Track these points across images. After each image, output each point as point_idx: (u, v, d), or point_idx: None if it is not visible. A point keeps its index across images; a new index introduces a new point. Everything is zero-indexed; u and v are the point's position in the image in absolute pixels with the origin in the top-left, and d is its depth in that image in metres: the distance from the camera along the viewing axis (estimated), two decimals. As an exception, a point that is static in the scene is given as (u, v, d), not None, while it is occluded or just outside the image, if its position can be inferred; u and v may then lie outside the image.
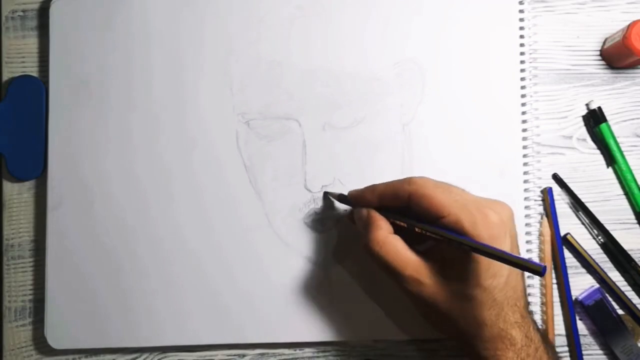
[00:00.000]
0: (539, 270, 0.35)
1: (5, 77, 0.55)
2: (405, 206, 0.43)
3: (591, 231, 0.53)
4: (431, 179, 0.43)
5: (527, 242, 0.51)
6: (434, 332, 0.51)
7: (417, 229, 0.42)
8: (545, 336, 0.43)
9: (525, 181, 0.51)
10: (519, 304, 0.42)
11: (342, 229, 0.51)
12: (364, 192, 0.45)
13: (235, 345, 0.53)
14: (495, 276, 0.40)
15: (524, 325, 0.42)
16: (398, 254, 0.42)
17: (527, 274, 0.47)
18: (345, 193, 0.48)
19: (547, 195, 0.52)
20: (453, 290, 0.41)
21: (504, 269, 0.40)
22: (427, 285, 0.41)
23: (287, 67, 0.52)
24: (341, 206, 0.51)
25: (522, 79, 0.52)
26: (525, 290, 0.43)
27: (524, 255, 0.50)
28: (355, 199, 0.46)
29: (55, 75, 0.53)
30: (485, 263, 0.40)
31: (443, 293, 0.41)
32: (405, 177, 0.46)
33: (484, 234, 0.39)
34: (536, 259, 0.51)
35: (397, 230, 0.44)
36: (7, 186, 0.55)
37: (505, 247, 0.40)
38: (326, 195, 0.51)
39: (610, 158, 0.53)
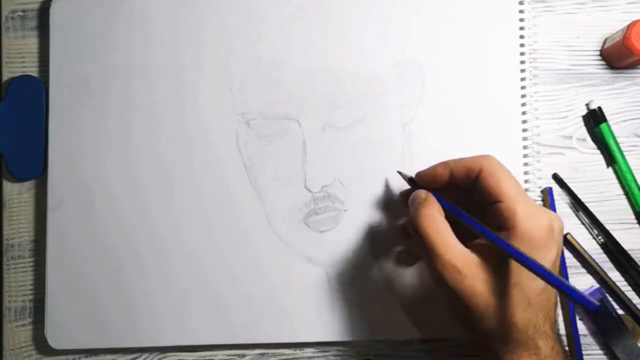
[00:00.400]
0: (591, 308, 0.34)
1: (5, 77, 0.55)
2: (471, 186, 0.42)
3: (591, 231, 0.53)
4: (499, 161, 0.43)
5: (527, 242, 0.51)
6: (434, 332, 0.51)
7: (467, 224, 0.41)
8: (566, 352, 0.42)
9: (526, 181, 0.51)
10: (551, 314, 0.41)
11: (342, 228, 0.51)
12: (436, 166, 0.45)
13: (236, 346, 0.53)
14: (535, 279, 0.39)
15: (551, 337, 0.40)
16: (444, 236, 0.41)
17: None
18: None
19: (547, 195, 0.52)
20: (491, 286, 0.40)
21: None
22: (465, 276, 0.40)
23: (287, 67, 0.52)
24: (341, 205, 0.51)
25: (522, 79, 0.52)
26: (557, 303, 0.42)
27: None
28: (425, 175, 0.46)
29: (55, 75, 0.53)
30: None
31: (480, 287, 0.40)
32: (405, 174, 0.48)
33: (535, 232, 0.39)
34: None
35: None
36: (7, 186, 0.55)
37: (551, 254, 0.40)
38: (399, 174, 0.50)
39: (611, 158, 0.52)
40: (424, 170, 0.46)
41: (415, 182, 0.47)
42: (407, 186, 0.48)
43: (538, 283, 0.39)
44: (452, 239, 0.41)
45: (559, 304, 0.52)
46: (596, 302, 0.35)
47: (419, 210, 0.43)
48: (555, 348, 0.41)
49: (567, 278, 0.52)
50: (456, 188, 0.44)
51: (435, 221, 0.42)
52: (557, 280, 0.37)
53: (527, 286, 0.39)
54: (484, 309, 0.40)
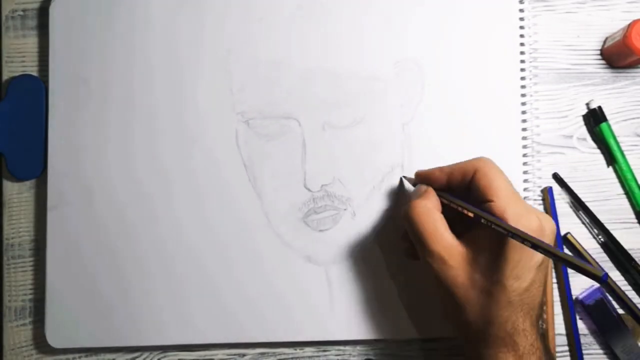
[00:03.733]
0: (599, 276, 0.34)
1: (5, 77, 0.55)
2: (466, 187, 0.43)
3: (591, 230, 0.53)
4: (495, 163, 0.44)
5: (527, 241, 0.51)
6: (434, 332, 0.51)
7: (466, 212, 0.42)
8: (547, 348, 0.43)
9: (526, 180, 0.51)
10: (532, 313, 0.42)
11: (342, 228, 0.51)
12: (433, 170, 0.46)
13: (236, 345, 0.53)
14: (518, 279, 0.40)
15: (531, 334, 0.41)
16: (434, 228, 0.43)
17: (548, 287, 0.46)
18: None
19: (547, 195, 0.52)
20: (474, 280, 0.41)
21: (530, 274, 0.40)
22: (450, 266, 0.42)
23: (287, 67, 0.52)
24: (340, 205, 0.51)
25: (522, 78, 0.52)
26: (542, 303, 0.43)
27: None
28: (422, 176, 0.47)
29: (55, 74, 0.53)
30: (513, 264, 0.40)
31: (464, 280, 0.41)
32: (406, 175, 0.50)
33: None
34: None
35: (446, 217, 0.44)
36: (7, 186, 0.55)
37: (538, 256, 0.40)
38: (402, 180, 0.51)
39: (611, 157, 0.52)
40: (422, 170, 0.48)
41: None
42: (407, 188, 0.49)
43: (521, 283, 0.40)
44: (443, 230, 0.43)
45: (553, 304, 0.52)
46: (605, 271, 0.35)
47: (413, 200, 0.44)
48: (535, 345, 0.41)
49: (567, 278, 0.52)
50: (451, 189, 0.45)
51: (427, 211, 0.43)
52: (560, 252, 0.37)
53: (510, 285, 0.40)
54: (465, 301, 0.41)
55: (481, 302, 0.41)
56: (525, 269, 0.40)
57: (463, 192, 0.44)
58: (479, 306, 0.41)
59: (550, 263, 0.52)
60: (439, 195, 0.45)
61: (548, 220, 0.42)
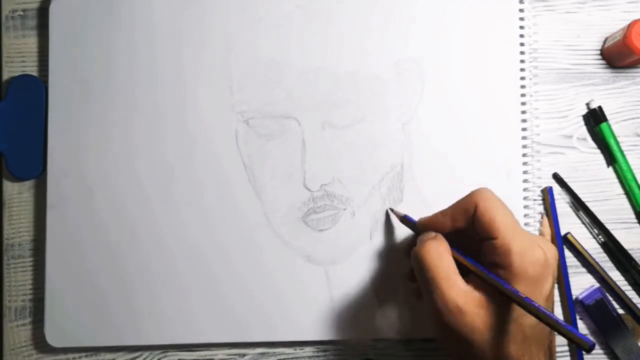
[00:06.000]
0: (585, 347, 0.35)
1: (5, 77, 0.55)
2: (471, 224, 0.43)
3: (591, 230, 0.53)
4: (495, 194, 0.43)
5: (527, 241, 0.51)
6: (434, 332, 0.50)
7: (472, 269, 0.42)
8: None
9: (525, 180, 0.51)
10: (545, 342, 0.41)
11: (341, 227, 0.51)
12: (436, 215, 0.45)
13: (236, 344, 0.53)
14: None
15: None
16: (448, 273, 0.41)
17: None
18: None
19: (547, 195, 0.52)
20: (490, 322, 0.40)
21: (541, 302, 0.40)
22: (466, 313, 0.40)
23: (287, 66, 0.52)
24: (340, 204, 0.51)
25: (522, 78, 0.52)
26: (551, 331, 0.42)
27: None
28: (427, 223, 0.46)
29: (55, 74, 0.53)
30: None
31: (479, 323, 0.40)
32: (403, 179, 0.50)
33: (529, 269, 0.39)
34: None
35: None
36: (7, 186, 0.55)
37: (546, 286, 0.40)
38: (388, 213, 0.51)
39: (611, 157, 0.52)
40: (424, 219, 0.46)
41: (408, 221, 0.48)
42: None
43: (534, 318, 0.40)
44: (456, 276, 0.42)
45: (553, 304, 0.52)
46: (592, 340, 0.36)
47: (425, 242, 0.43)
48: None
49: (567, 277, 0.52)
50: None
51: (441, 255, 0.42)
52: (554, 319, 0.37)
53: (524, 321, 0.40)
54: (482, 344, 0.40)
55: (498, 343, 0.40)
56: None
57: (468, 228, 0.43)
58: (496, 347, 0.40)
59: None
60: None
61: (550, 249, 0.41)
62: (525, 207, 0.51)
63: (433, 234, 0.44)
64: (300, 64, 0.51)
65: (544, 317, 0.37)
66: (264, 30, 0.52)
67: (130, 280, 0.52)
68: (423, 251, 0.42)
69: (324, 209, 0.51)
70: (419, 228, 0.47)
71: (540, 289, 0.40)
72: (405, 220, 0.49)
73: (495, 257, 0.41)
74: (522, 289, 0.39)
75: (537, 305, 0.38)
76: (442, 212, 0.45)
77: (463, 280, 0.42)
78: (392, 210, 0.51)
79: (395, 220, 0.51)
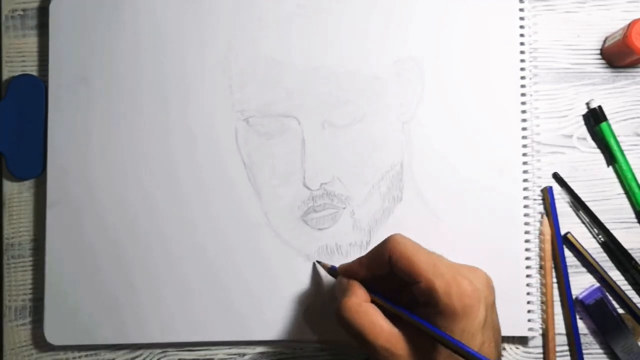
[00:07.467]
0: None
1: (5, 77, 0.55)
2: (390, 271, 0.42)
3: (591, 230, 0.53)
4: (409, 238, 0.42)
5: (527, 241, 0.51)
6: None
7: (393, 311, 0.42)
8: None
9: (525, 180, 0.51)
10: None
11: (341, 227, 0.51)
12: (352, 263, 0.46)
13: (236, 343, 0.53)
14: (469, 342, 0.40)
15: None
16: (371, 322, 0.41)
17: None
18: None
19: (547, 195, 0.52)
20: (421, 354, 0.40)
21: (477, 338, 0.40)
22: (400, 356, 0.40)
23: (287, 65, 0.52)
24: (340, 203, 0.51)
25: (522, 77, 0.52)
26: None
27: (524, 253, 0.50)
28: (344, 271, 0.46)
29: (55, 74, 0.53)
30: (458, 331, 0.39)
31: (415, 358, 0.40)
32: (403, 178, 0.50)
33: (456, 304, 0.39)
34: (536, 258, 0.51)
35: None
36: (7, 185, 0.55)
37: (479, 316, 0.40)
38: (315, 265, 0.51)
39: (611, 157, 0.52)
40: (343, 265, 0.47)
41: (335, 272, 0.48)
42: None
43: (472, 343, 0.40)
44: (381, 322, 0.41)
45: (553, 304, 0.51)
46: None
47: (342, 302, 0.43)
48: None
49: (567, 277, 0.51)
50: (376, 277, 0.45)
51: (358, 307, 0.42)
52: (472, 354, 0.38)
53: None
54: None
55: None
56: (469, 335, 0.40)
57: (388, 274, 0.43)
58: None
59: (551, 264, 0.52)
60: (373, 295, 0.44)
61: (478, 277, 0.41)
62: (525, 206, 0.51)
63: (345, 282, 0.45)
64: (300, 63, 0.51)
65: (462, 353, 0.38)
66: (264, 30, 0.52)
67: (130, 279, 0.52)
68: (342, 312, 0.42)
69: (324, 208, 0.51)
70: (340, 271, 0.47)
71: (473, 320, 0.40)
72: (332, 271, 0.49)
73: (423, 298, 0.41)
74: (451, 324, 0.39)
75: (455, 341, 0.38)
76: (360, 260, 0.45)
77: (389, 322, 0.41)
78: (319, 262, 0.51)
79: (322, 271, 0.51)
